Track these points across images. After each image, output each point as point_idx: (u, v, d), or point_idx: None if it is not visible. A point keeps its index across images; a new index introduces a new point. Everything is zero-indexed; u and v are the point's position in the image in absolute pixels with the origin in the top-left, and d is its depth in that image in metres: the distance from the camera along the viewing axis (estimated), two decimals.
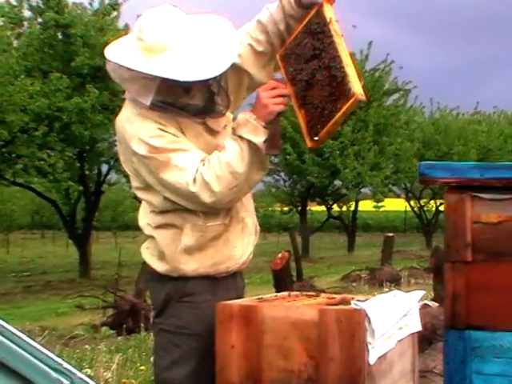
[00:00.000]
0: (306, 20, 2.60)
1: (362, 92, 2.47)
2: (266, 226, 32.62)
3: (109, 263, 19.44)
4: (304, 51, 2.60)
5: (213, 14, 2.63)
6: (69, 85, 15.20)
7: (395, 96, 23.35)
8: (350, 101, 2.46)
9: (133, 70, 2.43)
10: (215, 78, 2.46)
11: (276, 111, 2.53)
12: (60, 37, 16.35)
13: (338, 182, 22.79)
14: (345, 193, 22.57)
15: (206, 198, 2.47)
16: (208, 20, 2.57)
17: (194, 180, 2.46)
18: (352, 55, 2.62)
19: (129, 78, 2.48)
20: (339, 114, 2.50)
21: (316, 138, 2.56)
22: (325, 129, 2.56)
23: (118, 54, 2.49)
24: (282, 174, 23.35)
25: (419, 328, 2.66)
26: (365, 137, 21.19)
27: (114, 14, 17.08)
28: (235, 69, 2.60)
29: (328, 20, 2.54)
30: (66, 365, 1.58)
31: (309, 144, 2.62)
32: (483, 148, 26.97)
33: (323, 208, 25.76)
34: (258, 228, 2.77)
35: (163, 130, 2.48)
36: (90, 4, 16.95)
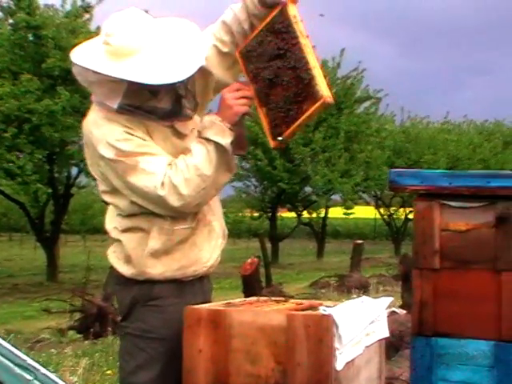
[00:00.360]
0: (269, 18, 2.59)
1: (330, 94, 2.48)
2: (236, 231, 32.59)
3: (77, 267, 19.28)
4: (267, 50, 2.60)
5: (181, 17, 2.63)
6: (39, 87, 15.08)
7: (366, 104, 23.51)
8: (318, 103, 2.47)
9: (99, 74, 2.42)
10: (182, 81, 2.45)
11: (241, 112, 2.55)
12: (31, 38, 16.21)
13: (308, 189, 22.87)
14: (315, 199, 22.65)
15: (175, 201, 2.46)
16: (175, 23, 2.57)
17: (162, 184, 2.45)
18: (322, 60, 2.64)
19: (96, 82, 2.47)
20: (305, 116, 2.51)
21: (280, 138, 2.57)
22: (289, 129, 2.56)
23: (85, 57, 2.48)
24: (253, 179, 23.36)
25: (387, 334, 2.68)
26: (336, 144, 21.28)
27: (87, 16, 16.98)
28: (201, 71, 2.60)
29: (293, 20, 2.54)
30: (29, 361, 1.56)
31: (272, 144, 2.62)
32: (453, 157, 27.23)
33: (293, 214, 25.82)
34: (227, 232, 2.77)
35: (130, 134, 2.47)
36: (62, 6, 16.84)
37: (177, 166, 2.48)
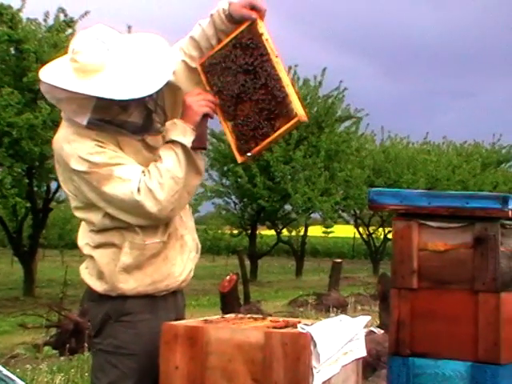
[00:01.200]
0: (236, 33, 2.60)
1: (304, 113, 2.49)
2: (215, 248, 32.48)
3: (54, 282, 19.11)
4: (233, 64, 2.60)
5: (150, 33, 2.65)
6: (20, 100, 15.00)
7: (347, 123, 23.59)
8: (292, 121, 2.48)
9: (67, 91, 2.43)
10: (150, 95, 2.47)
11: (201, 112, 2.57)
12: (13, 52, 16.15)
13: (288, 207, 22.86)
14: (295, 217, 22.64)
15: (151, 206, 2.47)
16: (142, 39, 2.59)
17: (138, 189, 2.47)
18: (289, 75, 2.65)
19: (64, 99, 2.49)
20: (277, 134, 2.52)
21: (249, 154, 2.57)
22: (259, 146, 2.57)
23: (53, 75, 2.49)
24: (233, 196, 23.33)
25: (364, 353, 2.67)
26: (316, 162, 21.32)
27: (69, 31, 16.94)
28: (170, 86, 2.62)
29: (263, 37, 2.55)
30: (5, 371, 1.55)
31: (239, 159, 2.63)
32: (432, 177, 27.35)
33: (273, 232, 25.79)
34: (200, 246, 2.77)
35: (102, 147, 2.48)
36: (45, 20, 16.80)
37: (150, 172, 2.50)
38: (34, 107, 15.13)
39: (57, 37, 16.32)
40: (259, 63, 2.54)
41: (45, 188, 18.55)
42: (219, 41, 2.64)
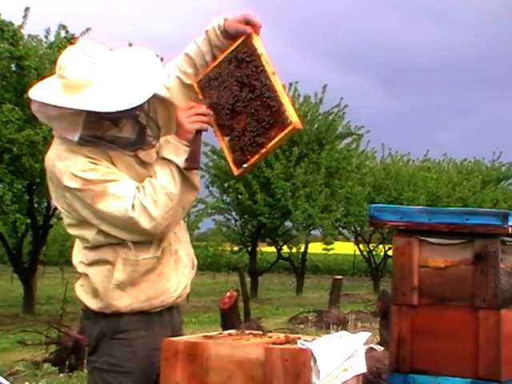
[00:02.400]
0: (231, 48, 2.62)
1: (298, 120, 2.50)
2: (216, 265, 32.40)
3: (54, 298, 19.07)
4: (229, 79, 2.61)
5: (141, 46, 2.66)
6: (21, 116, 15.03)
7: (348, 140, 23.63)
8: (287, 129, 2.49)
9: (56, 107, 2.44)
10: (139, 106, 2.48)
11: (193, 129, 2.56)
12: (14, 68, 16.20)
13: (288, 223, 22.85)
14: (295, 234, 22.63)
15: (146, 223, 2.46)
16: (130, 51, 2.61)
17: (133, 206, 2.46)
18: (284, 86, 2.65)
19: (55, 117, 2.49)
20: (273, 143, 2.53)
21: (245, 166, 2.58)
22: (255, 157, 2.57)
23: (42, 92, 2.50)
24: (234, 213, 23.32)
25: (364, 370, 2.66)
26: (317, 179, 21.34)
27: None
28: (164, 102, 2.64)
29: (258, 50, 2.57)
30: (1, 379, 1.54)
31: (236, 172, 2.63)
32: (432, 195, 27.36)
33: (273, 249, 25.75)
34: (195, 261, 2.77)
35: (95, 163, 2.48)
36: (46, 37, 16.88)
37: (144, 188, 2.50)
38: (35, 124, 15.15)
39: (58, 53, 16.17)
40: (254, 75, 2.56)
41: (45, 204, 18.54)
42: (214, 57, 2.65)
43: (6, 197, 14.93)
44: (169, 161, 2.54)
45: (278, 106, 2.51)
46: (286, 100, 2.51)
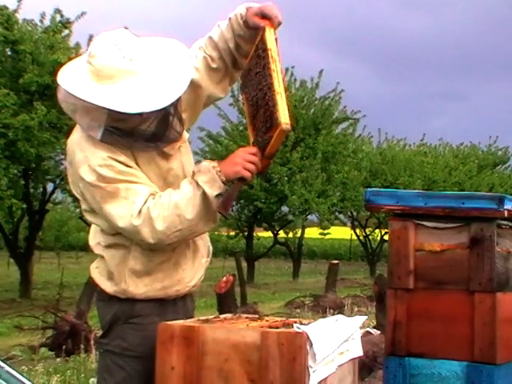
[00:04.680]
0: (256, 43, 2.60)
1: (288, 121, 2.41)
2: (213, 250, 32.35)
3: (51, 283, 19.10)
4: (253, 77, 2.61)
5: (168, 37, 2.61)
6: (16, 101, 14.97)
7: (344, 125, 23.60)
8: (277, 131, 2.44)
9: (81, 100, 2.38)
10: (167, 107, 2.41)
11: (241, 174, 2.48)
12: (9, 53, 16.13)
13: (285, 208, 22.86)
14: (291, 219, 22.65)
15: (147, 234, 2.42)
16: (161, 44, 2.53)
17: (140, 212, 2.41)
18: (285, 86, 2.61)
19: (78, 110, 2.43)
20: (271, 144, 2.48)
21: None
22: (263, 158, 2.55)
23: (70, 80, 2.43)
24: None
25: (360, 353, 2.67)
26: (313, 164, 21.32)
27: (66, 32, 16.91)
28: (192, 84, 2.57)
29: (268, 45, 2.53)
30: None
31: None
32: (428, 179, 27.38)
33: (270, 234, 25.78)
34: (211, 249, 2.76)
35: (114, 159, 2.43)
36: (41, 21, 16.77)
37: (160, 198, 2.44)
38: (30, 108, 15.12)
39: (53, 38, 16.29)
40: (263, 72, 2.54)
41: (41, 189, 18.52)
42: (237, 45, 2.64)
43: (1, 182, 14.90)
44: (198, 186, 2.45)
45: (273, 106, 2.46)
46: (280, 99, 2.44)
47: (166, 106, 2.39)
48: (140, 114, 2.38)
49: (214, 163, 2.47)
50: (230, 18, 2.64)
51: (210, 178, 2.44)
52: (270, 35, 2.54)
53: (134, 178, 2.45)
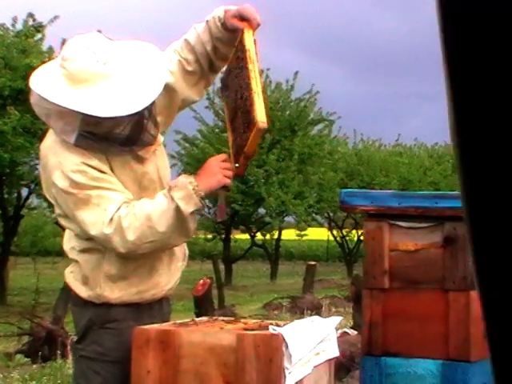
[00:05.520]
0: (235, 45, 2.61)
1: (264, 120, 2.43)
2: (190, 253, 32.17)
3: (27, 289, 18.91)
4: (232, 79, 2.62)
5: (142, 40, 2.60)
6: None
7: (320, 126, 23.67)
8: (254, 130, 2.45)
9: (55, 104, 2.36)
10: (141, 112, 2.40)
11: (223, 183, 2.49)
12: None
13: (262, 210, 22.88)
14: (269, 221, 22.67)
15: (118, 243, 2.40)
16: (134, 47, 2.52)
17: (111, 220, 2.39)
18: (262, 85, 2.63)
19: (52, 114, 2.41)
20: (249, 143, 2.48)
21: (236, 165, 2.56)
22: (241, 157, 2.55)
23: (42, 83, 2.41)
24: (207, 200, 23.30)
25: (337, 354, 2.68)
26: (289, 166, 21.37)
27: (38, 36, 16.81)
28: (167, 87, 2.56)
29: (246, 46, 2.54)
30: None
31: (234, 170, 2.61)
32: (404, 179, 27.53)
33: (247, 236, 25.78)
34: (187, 252, 2.75)
35: (86, 164, 2.41)
36: (13, 25, 16.64)
37: (133, 207, 2.41)
38: (4, 113, 14.99)
39: (25, 42, 16.17)
40: (242, 74, 2.55)
41: (15, 195, 18.37)
42: (214, 47, 2.64)
43: None
44: (172, 200, 2.42)
45: (250, 106, 2.47)
46: (257, 98, 2.45)
47: (140, 110, 2.38)
48: (114, 118, 2.36)
49: (192, 178, 2.46)
50: (207, 21, 2.63)
51: (185, 195, 2.42)
52: (248, 36, 2.55)
53: (108, 184, 2.43)
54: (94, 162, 2.43)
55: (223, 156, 2.56)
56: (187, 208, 2.41)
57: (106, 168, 2.45)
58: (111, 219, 2.39)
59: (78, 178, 2.40)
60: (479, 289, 0.64)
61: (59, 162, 2.43)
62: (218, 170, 2.48)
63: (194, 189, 2.42)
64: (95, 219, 2.40)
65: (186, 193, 2.42)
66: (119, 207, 2.40)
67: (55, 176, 2.43)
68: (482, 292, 0.64)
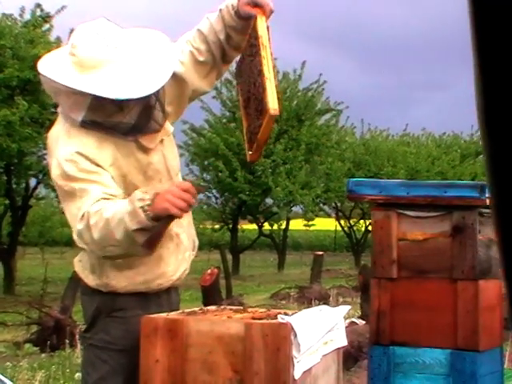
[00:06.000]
0: (249, 32, 2.61)
1: (276, 107, 2.42)
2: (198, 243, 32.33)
3: (35, 279, 18.99)
4: (245, 66, 2.62)
5: (150, 28, 2.60)
6: None
7: (327, 116, 23.62)
8: (266, 116, 2.45)
9: (65, 86, 2.38)
10: (148, 96, 2.40)
11: (170, 212, 2.30)
12: None
13: (269, 200, 22.87)
14: (276, 211, 22.66)
15: (88, 240, 2.37)
16: (143, 35, 2.53)
17: (82, 216, 2.35)
18: (276, 72, 2.64)
19: (62, 92, 2.42)
20: (261, 130, 2.49)
21: (250, 153, 2.57)
22: (255, 144, 2.56)
23: (51, 67, 2.42)
24: (214, 191, 23.31)
25: (345, 343, 2.68)
26: (296, 156, 21.34)
27: (46, 26, 16.82)
28: (177, 77, 2.57)
29: (259, 33, 2.54)
30: None
31: (248, 158, 2.62)
32: (411, 169, 27.47)
33: (254, 226, 25.79)
34: (197, 242, 2.74)
35: (81, 154, 2.40)
36: (21, 15, 16.66)
37: (103, 207, 2.34)
38: (11, 103, 15.02)
39: (33, 32, 16.19)
40: (255, 60, 2.55)
41: (24, 185, 18.41)
42: (228, 36, 2.63)
43: None
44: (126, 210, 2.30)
45: (262, 93, 2.48)
46: (269, 85, 2.45)
47: (149, 94, 2.38)
48: (122, 101, 2.37)
49: (148, 195, 2.30)
50: (220, 10, 2.62)
51: (131, 210, 2.29)
52: (261, 23, 2.56)
53: (95, 176, 2.40)
54: (91, 153, 2.41)
55: (187, 185, 2.39)
56: (131, 225, 2.28)
57: (103, 159, 2.43)
58: (83, 215, 2.35)
59: (68, 167, 2.39)
60: (506, 278, 0.63)
61: (58, 151, 2.44)
62: (170, 198, 2.29)
63: (142, 207, 2.28)
64: (74, 213, 2.38)
65: (131, 209, 2.29)
66: (93, 203, 2.35)
67: (52, 165, 2.45)
68: (508, 281, 0.63)
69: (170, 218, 2.34)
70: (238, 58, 2.71)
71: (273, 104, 2.42)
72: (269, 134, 2.55)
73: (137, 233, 2.29)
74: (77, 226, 2.38)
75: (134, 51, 2.43)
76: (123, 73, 2.37)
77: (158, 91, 2.44)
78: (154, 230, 2.32)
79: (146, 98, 2.41)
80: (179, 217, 2.35)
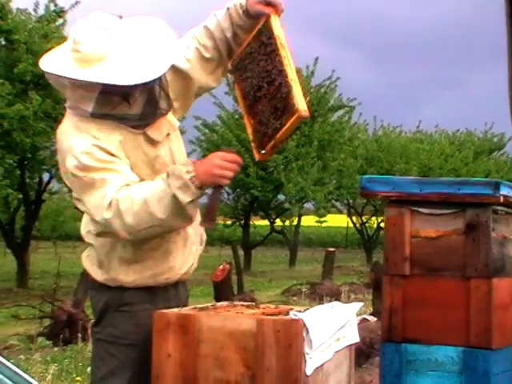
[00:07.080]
0: (256, 30, 2.60)
1: (306, 108, 2.44)
2: (209, 239, 32.15)
3: (48, 273, 19.11)
4: (253, 63, 2.60)
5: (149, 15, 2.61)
6: (11, 91, 14.93)
7: (340, 112, 23.58)
8: (294, 117, 2.45)
9: (70, 79, 2.38)
10: (155, 80, 2.42)
11: (218, 183, 2.42)
12: (3, 43, 16.08)
13: (281, 197, 22.87)
14: (288, 207, 22.66)
15: (119, 227, 2.39)
16: (143, 23, 2.54)
17: (110, 204, 2.37)
18: (298, 70, 2.62)
19: (69, 86, 2.43)
20: (283, 130, 2.49)
21: (263, 152, 2.56)
22: (270, 143, 2.55)
23: (54, 64, 2.43)
24: (226, 187, 23.31)
25: (357, 339, 2.68)
26: (309, 152, 21.32)
27: (60, 21, 16.88)
28: (182, 74, 2.58)
29: (275, 32, 2.54)
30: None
31: (256, 157, 2.62)
32: (424, 166, 27.39)
33: (266, 222, 25.80)
34: (204, 237, 2.74)
35: (96, 146, 2.41)
36: (35, 10, 16.72)
37: (131, 191, 2.37)
38: (25, 98, 15.09)
39: (47, 27, 16.25)
40: (271, 60, 2.54)
41: (37, 179, 18.50)
42: (235, 34, 2.63)
43: None
44: (170, 188, 2.36)
45: (287, 93, 2.47)
46: (295, 86, 2.46)
47: (157, 77, 2.40)
48: (131, 87, 2.37)
49: (189, 167, 2.38)
50: (228, 8, 2.62)
51: (182, 184, 2.35)
52: (275, 22, 2.55)
53: (114, 165, 2.41)
54: (104, 144, 2.42)
55: (231, 156, 2.45)
56: (184, 198, 2.35)
57: (114, 149, 2.44)
58: (110, 203, 2.37)
59: (85, 159, 2.40)
60: None
61: (71, 144, 2.44)
62: (218, 171, 2.39)
63: (190, 178, 2.35)
64: (97, 204, 2.39)
65: (182, 183, 2.35)
66: (118, 190, 2.38)
67: (67, 159, 2.44)
68: None
69: (219, 188, 2.46)
70: (243, 53, 2.65)
71: (302, 106, 2.43)
72: (288, 136, 2.55)
73: (189, 205, 2.36)
74: (103, 215, 2.38)
75: (137, 39, 2.45)
76: (128, 60, 2.39)
77: (161, 80, 2.46)
78: (206, 208, 2.43)
79: (155, 82, 2.43)
80: (223, 186, 2.48)
